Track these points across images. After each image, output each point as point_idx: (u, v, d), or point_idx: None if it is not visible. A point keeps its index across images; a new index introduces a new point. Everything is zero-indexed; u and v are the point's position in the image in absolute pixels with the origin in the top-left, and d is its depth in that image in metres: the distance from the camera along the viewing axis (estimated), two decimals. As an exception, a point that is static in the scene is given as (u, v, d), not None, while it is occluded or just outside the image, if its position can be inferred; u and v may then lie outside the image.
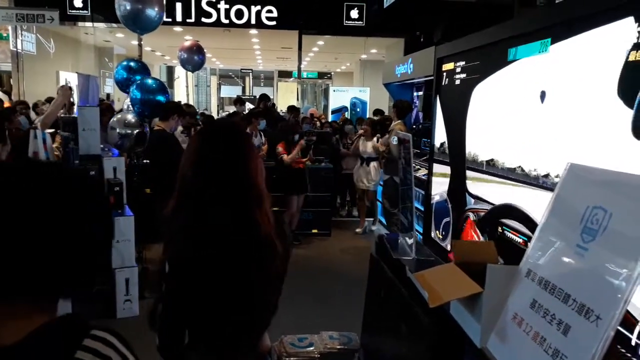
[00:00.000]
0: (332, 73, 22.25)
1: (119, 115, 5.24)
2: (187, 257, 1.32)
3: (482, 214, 2.22)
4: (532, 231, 1.73)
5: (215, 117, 12.19)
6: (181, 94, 19.01)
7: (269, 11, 9.74)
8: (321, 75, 22.43)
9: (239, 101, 8.79)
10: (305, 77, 21.06)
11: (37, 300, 0.75)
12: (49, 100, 7.37)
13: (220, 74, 26.21)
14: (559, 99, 1.70)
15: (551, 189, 1.67)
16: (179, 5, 9.56)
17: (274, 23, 9.84)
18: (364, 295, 2.69)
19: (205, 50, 8.88)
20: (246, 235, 1.32)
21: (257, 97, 9.31)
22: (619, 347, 1.26)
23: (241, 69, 23.75)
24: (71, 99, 5.56)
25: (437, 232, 2.76)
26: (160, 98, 5.01)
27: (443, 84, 2.72)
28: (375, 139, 6.18)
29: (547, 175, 1.74)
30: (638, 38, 1.35)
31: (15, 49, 10.12)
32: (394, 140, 5.28)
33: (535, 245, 1.20)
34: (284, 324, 1.45)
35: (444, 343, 1.63)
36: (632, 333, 1.26)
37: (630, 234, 0.93)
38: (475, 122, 2.32)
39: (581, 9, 1.64)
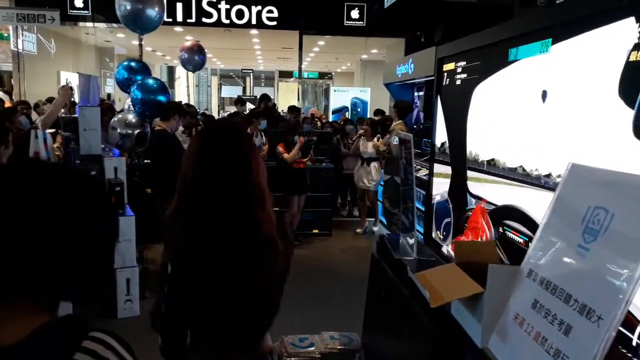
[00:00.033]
0: (333, 73, 22.26)
1: (119, 115, 5.24)
2: (187, 257, 1.33)
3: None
4: (533, 232, 1.73)
5: (216, 117, 12.19)
6: (182, 94, 19.02)
7: (270, 11, 9.75)
8: (322, 75, 22.44)
9: (239, 101, 8.79)
10: (306, 77, 21.07)
11: (37, 301, 0.75)
12: (50, 100, 7.38)
13: (221, 74, 26.22)
14: (560, 99, 1.70)
15: (553, 189, 1.67)
16: (179, 6, 9.57)
17: (274, 23, 9.84)
18: (364, 296, 2.69)
19: (206, 51, 8.90)
20: (246, 235, 1.32)
21: (258, 97, 9.32)
22: (619, 347, 1.26)
23: (242, 69, 23.76)
24: (72, 99, 5.56)
25: (438, 232, 2.76)
26: (161, 98, 5.01)
27: (444, 84, 2.72)
28: (375, 139, 6.18)
29: (548, 175, 1.74)
30: (639, 38, 1.35)
31: (16, 49, 10.13)
32: (395, 141, 5.28)
33: (536, 246, 1.20)
34: (284, 324, 1.45)
35: (445, 343, 1.63)
36: (633, 333, 1.26)
37: (632, 235, 0.93)
38: (476, 122, 2.32)
39: (582, 9, 1.64)
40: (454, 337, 1.49)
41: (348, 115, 11.33)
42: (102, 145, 4.30)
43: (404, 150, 2.46)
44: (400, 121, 5.97)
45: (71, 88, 4.73)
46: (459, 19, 6.68)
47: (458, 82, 2.53)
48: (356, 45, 12.24)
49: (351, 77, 18.92)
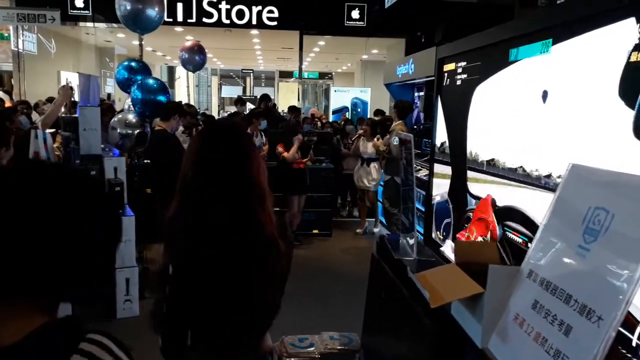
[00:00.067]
0: (333, 73, 22.26)
1: (119, 115, 5.24)
2: (187, 257, 1.32)
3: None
4: (533, 232, 1.73)
5: (216, 117, 12.19)
6: (182, 94, 19.03)
7: (270, 11, 9.75)
8: (322, 75, 22.44)
9: (239, 101, 8.79)
10: (306, 77, 21.07)
11: (37, 301, 0.75)
12: (50, 100, 7.38)
13: (221, 74, 26.22)
14: (561, 99, 1.70)
15: (553, 190, 1.67)
16: (180, 6, 9.57)
17: (275, 23, 9.85)
18: (364, 296, 2.69)
19: (206, 51, 8.90)
20: (246, 235, 1.32)
21: (258, 97, 9.32)
22: (619, 347, 1.26)
23: (242, 69, 23.76)
24: (72, 99, 5.57)
25: (438, 232, 2.76)
26: (161, 98, 5.01)
27: (444, 84, 2.72)
28: (374, 139, 6.18)
29: (549, 176, 1.74)
30: (639, 39, 1.35)
31: (16, 49, 10.14)
32: (395, 141, 5.28)
33: (536, 246, 1.20)
34: (284, 324, 1.45)
35: (445, 344, 1.63)
36: (632, 334, 1.26)
37: (632, 235, 0.93)
38: (476, 122, 2.32)
39: (582, 9, 1.64)
40: (454, 338, 1.48)
41: (348, 115, 11.33)
42: (102, 145, 4.30)
43: (404, 151, 2.46)
44: (400, 121, 5.97)
45: (71, 88, 4.73)
46: (459, 19, 6.69)
47: (458, 82, 2.53)
48: (356, 45, 12.24)
49: (351, 77, 18.92)
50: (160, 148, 4.29)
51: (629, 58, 1.38)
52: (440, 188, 2.70)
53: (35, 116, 7.24)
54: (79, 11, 9.44)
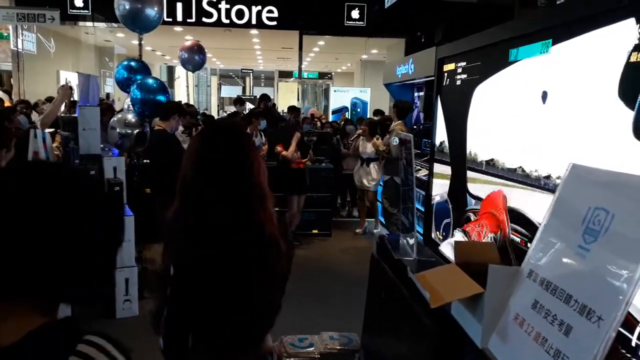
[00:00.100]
0: (333, 73, 22.25)
1: (119, 115, 5.24)
2: (187, 257, 1.32)
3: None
4: (531, 233, 1.73)
5: (216, 117, 12.19)
6: (181, 93, 19.03)
7: (270, 11, 9.75)
8: (322, 75, 22.43)
9: (238, 101, 8.79)
10: (305, 77, 21.07)
11: (37, 301, 0.75)
12: (50, 99, 7.38)
13: (221, 74, 26.21)
14: (561, 100, 1.70)
15: (552, 191, 1.67)
16: (179, 5, 9.57)
17: (274, 23, 9.84)
18: (364, 296, 2.69)
19: (205, 50, 8.89)
20: (246, 235, 1.32)
21: (258, 97, 9.31)
22: (619, 347, 1.26)
23: (242, 69, 23.75)
24: (72, 98, 5.56)
25: (438, 232, 2.76)
26: (161, 98, 5.01)
27: (444, 84, 2.72)
28: (374, 139, 6.18)
29: (548, 177, 1.74)
30: (639, 39, 1.35)
31: (15, 49, 10.13)
32: (394, 141, 5.28)
33: (536, 246, 1.20)
34: (284, 324, 1.45)
35: (445, 344, 1.63)
36: (632, 334, 1.26)
37: (632, 236, 0.93)
38: (476, 122, 2.32)
39: (582, 10, 1.64)
40: (454, 338, 1.48)
41: (348, 115, 11.33)
42: (102, 145, 4.30)
43: (404, 151, 2.46)
44: (399, 121, 5.97)
45: (70, 87, 4.73)
46: (459, 19, 6.69)
47: (458, 82, 2.53)
48: (356, 45, 12.24)
49: (351, 77, 18.92)
50: (159, 148, 4.28)
51: (628, 58, 1.38)
52: (440, 188, 2.70)
53: (34, 116, 7.24)
54: (79, 11, 9.44)
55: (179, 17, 9.65)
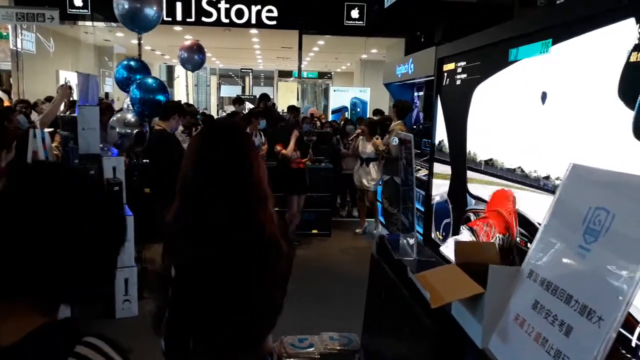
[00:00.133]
0: (333, 73, 22.24)
1: (118, 115, 5.23)
2: (187, 258, 1.32)
3: (481, 214, 2.21)
4: (530, 234, 1.73)
5: (215, 116, 12.18)
6: (181, 93, 19.00)
7: (270, 11, 9.74)
8: (321, 75, 22.43)
9: (237, 101, 8.78)
10: (305, 76, 21.06)
11: (36, 301, 0.75)
12: (49, 99, 7.37)
13: (220, 74, 26.19)
14: (561, 99, 1.70)
15: (551, 192, 1.67)
16: (179, 5, 9.56)
17: (274, 23, 9.84)
18: (364, 296, 2.69)
19: (205, 50, 8.88)
20: (246, 235, 1.32)
21: (257, 96, 9.31)
22: (619, 347, 1.26)
23: (241, 69, 23.74)
24: (71, 98, 5.56)
25: (438, 233, 2.76)
26: (160, 97, 5.00)
27: (444, 84, 2.72)
28: (374, 138, 6.18)
29: (547, 177, 1.74)
30: (639, 39, 1.35)
31: (15, 48, 10.11)
32: (394, 141, 5.28)
33: (537, 246, 1.20)
34: (284, 325, 1.45)
35: (445, 344, 1.62)
36: (632, 334, 1.26)
37: (633, 236, 0.93)
38: (476, 122, 2.32)
39: (582, 10, 1.64)
40: (455, 338, 1.48)
41: (347, 115, 11.33)
42: (101, 145, 4.29)
43: (404, 151, 2.46)
44: (399, 121, 5.96)
45: (70, 87, 4.72)
46: (459, 19, 6.69)
47: (458, 82, 2.53)
48: (356, 45, 12.24)
49: (351, 77, 18.91)
50: (159, 148, 4.28)
51: (628, 58, 1.38)
52: (440, 188, 2.70)
53: (34, 116, 7.23)
54: (78, 10, 9.43)
55: (179, 17, 9.64)
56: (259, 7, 9.70)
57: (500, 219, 1.86)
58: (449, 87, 2.65)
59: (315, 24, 10.17)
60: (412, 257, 2.26)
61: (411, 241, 2.34)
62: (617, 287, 0.91)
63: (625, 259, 0.92)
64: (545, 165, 1.76)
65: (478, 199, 2.25)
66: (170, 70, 22.47)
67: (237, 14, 9.71)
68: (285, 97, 20.83)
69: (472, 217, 2.27)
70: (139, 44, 5.88)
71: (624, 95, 1.39)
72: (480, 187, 2.23)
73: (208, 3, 9.61)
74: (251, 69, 23.58)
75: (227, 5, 9.65)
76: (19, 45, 10.08)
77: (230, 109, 14.01)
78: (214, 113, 18.92)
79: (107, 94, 13.70)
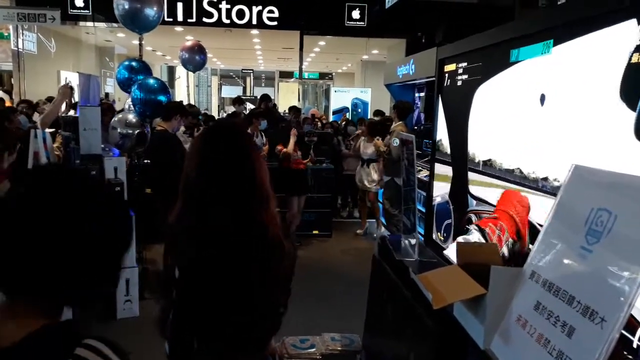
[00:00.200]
0: (334, 73, 22.25)
1: (120, 115, 5.24)
2: (190, 258, 1.32)
3: (485, 215, 2.21)
4: (530, 235, 1.73)
5: (216, 117, 12.19)
6: (182, 94, 19.00)
7: (270, 11, 9.75)
8: (322, 75, 22.43)
9: (237, 101, 8.78)
10: (306, 77, 21.07)
11: (37, 302, 0.75)
12: (50, 99, 7.38)
13: (221, 74, 26.21)
14: (562, 100, 1.70)
15: (551, 193, 1.67)
16: (180, 5, 9.57)
17: (275, 23, 9.85)
18: (365, 297, 2.69)
19: (206, 50, 8.89)
20: (247, 236, 1.32)
21: (258, 97, 9.31)
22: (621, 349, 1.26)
23: (242, 69, 23.75)
24: (72, 99, 5.56)
25: (439, 233, 2.75)
26: (162, 98, 5.01)
27: (445, 85, 2.72)
28: (375, 139, 6.18)
29: (546, 179, 1.74)
30: (641, 40, 1.35)
31: (16, 49, 10.13)
32: (395, 142, 5.28)
33: (539, 247, 1.20)
34: (285, 325, 1.45)
35: (447, 345, 1.62)
36: (633, 335, 1.26)
37: (635, 237, 0.93)
38: (477, 123, 2.32)
39: (583, 10, 1.64)
40: (456, 339, 1.48)
41: (348, 116, 11.33)
42: (102, 145, 4.30)
43: (405, 151, 2.46)
44: (400, 122, 5.97)
45: (71, 87, 4.73)
46: (460, 19, 6.69)
47: (459, 83, 2.53)
48: (357, 45, 12.24)
49: (352, 77, 18.92)
50: (161, 148, 4.28)
51: (630, 59, 1.38)
52: (441, 189, 2.70)
53: (36, 116, 7.24)
54: (79, 11, 9.45)
55: (180, 17, 9.65)
56: (260, 7, 9.71)
57: (511, 222, 1.85)
58: (450, 88, 2.65)
59: (316, 25, 10.18)
60: (413, 258, 2.26)
61: (413, 242, 2.34)
62: (619, 288, 0.91)
63: (628, 260, 0.92)
64: (544, 166, 1.76)
65: (479, 199, 2.25)
66: (171, 70, 22.48)
67: (238, 15, 9.72)
68: (286, 97, 20.84)
69: (474, 218, 2.27)
70: (140, 45, 5.89)
71: (626, 97, 1.39)
72: (481, 189, 2.23)
73: (209, 4, 9.62)
74: (252, 70, 23.59)
75: (228, 6, 9.66)
76: (20, 46, 10.09)
77: (231, 109, 14.03)
78: (215, 114, 18.93)
79: (107, 95, 13.70)
